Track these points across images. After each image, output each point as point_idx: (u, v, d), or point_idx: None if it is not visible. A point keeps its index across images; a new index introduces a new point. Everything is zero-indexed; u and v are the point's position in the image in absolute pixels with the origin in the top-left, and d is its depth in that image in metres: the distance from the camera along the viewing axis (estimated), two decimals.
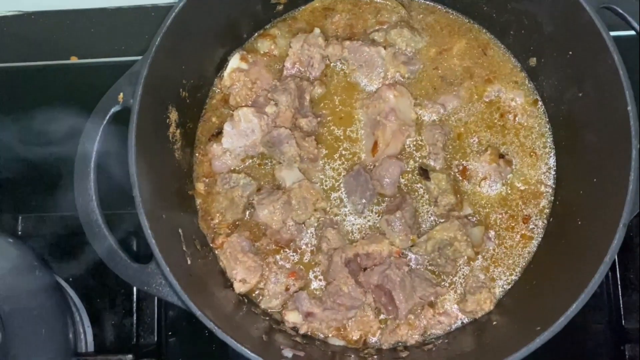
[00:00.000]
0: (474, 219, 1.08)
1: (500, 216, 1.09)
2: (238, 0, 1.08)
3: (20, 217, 1.23)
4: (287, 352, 0.95)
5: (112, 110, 0.95)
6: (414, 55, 1.14)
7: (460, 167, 1.10)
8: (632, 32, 0.96)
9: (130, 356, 1.11)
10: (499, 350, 0.90)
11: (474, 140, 1.11)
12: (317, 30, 1.13)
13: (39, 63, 1.32)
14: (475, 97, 1.13)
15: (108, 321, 1.19)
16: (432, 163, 1.10)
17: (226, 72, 1.14)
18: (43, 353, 1.01)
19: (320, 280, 1.07)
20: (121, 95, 0.95)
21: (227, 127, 1.10)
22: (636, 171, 0.88)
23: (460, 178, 1.10)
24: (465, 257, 1.06)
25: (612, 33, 0.94)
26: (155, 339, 1.18)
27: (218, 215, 1.10)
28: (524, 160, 1.11)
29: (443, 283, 1.07)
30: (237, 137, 1.09)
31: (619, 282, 1.16)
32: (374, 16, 1.16)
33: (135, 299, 1.18)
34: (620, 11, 0.93)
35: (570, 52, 1.00)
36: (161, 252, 0.90)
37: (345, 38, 1.14)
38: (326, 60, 1.14)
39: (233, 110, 1.11)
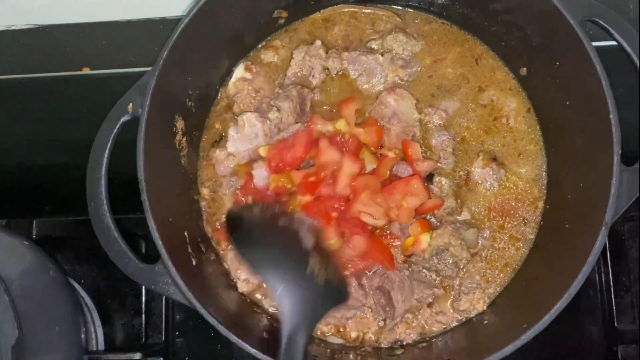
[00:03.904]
0: (468, 222, 1.12)
1: (495, 218, 1.13)
2: (242, 15, 1.12)
3: (34, 221, 1.28)
4: None
5: (122, 119, 1.00)
6: (411, 59, 1.18)
7: (465, 172, 1.14)
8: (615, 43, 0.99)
9: (138, 354, 1.15)
10: (488, 348, 0.94)
11: (475, 144, 1.15)
12: (318, 42, 1.18)
13: (53, 74, 1.38)
14: (472, 104, 1.17)
15: (118, 321, 1.24)
16: (443, 166, 1.14)
17: (231, 81, 1.19)
18: (56, 350, 1.06)
19: None
20: (130, 105, 1.00)
21: (231, 132, 1.14)
22: (617, 177, 0.92)
23: (464, 182, 1.14)
24: (465, 260, 1.10)
25: (598, 43, 0.98)
26: (163, 338, 1.22)
27: (223, 217, 1.14)
28: (518, 164, 1.14)
29: (441, 285, 1.10)
30: (241, 141, 1.14)
31: (611, 285, 1.20)
32: (371, 26, 1.21)
33: (144, 300, 1.23)
34: (603, 24, 0.97)
35: (557, 63, 1.04)
36: (168, 253, 0.95)
37: (344, 48, 1.19)
38: (326, 70, 1.19)
39: (237, 117, 1.15)
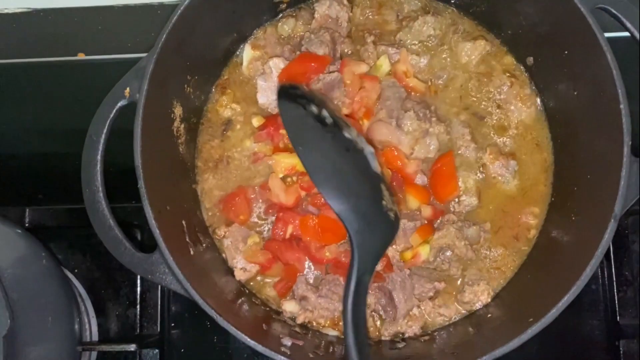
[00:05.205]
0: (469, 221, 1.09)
1: (503, 211, 1.10)
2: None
3: (27, 210, 1.26)
4: (286, 341, 0.98)
5: (119, 104, 0.97)
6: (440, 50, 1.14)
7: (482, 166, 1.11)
8: (627, 34, 0.97)
9: (133, 346, 1.14)
10: (493, 341, 0.92)
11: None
12: None
13: (47, 59, 1.34)
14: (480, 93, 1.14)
15: (112, 312, 1.22)
16: (466, 154, 1.10)
17: (244, 66, 1.16)
18: (49, 341, 1.04)
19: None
20: (127, 89, 0.97)
21: (260, 82, 1.11)
22: (627, 168, 0.90)
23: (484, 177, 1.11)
24: (470, 259, 1.08)
25: (608, 34, 0.96)
26: (158, 329, 1.20)
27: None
28: (526, 156, 1.12)
29: (443, 279, 1.08)
30: (271, 90, 1.10)
31: (614, 279, 1.19)
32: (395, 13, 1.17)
33: (139, 291, 1.21)
34: (615, 12, 0.95)
35: (566, 52, 1.02)
36: (165, 242, 0.93)
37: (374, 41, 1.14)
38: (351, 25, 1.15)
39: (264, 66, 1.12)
